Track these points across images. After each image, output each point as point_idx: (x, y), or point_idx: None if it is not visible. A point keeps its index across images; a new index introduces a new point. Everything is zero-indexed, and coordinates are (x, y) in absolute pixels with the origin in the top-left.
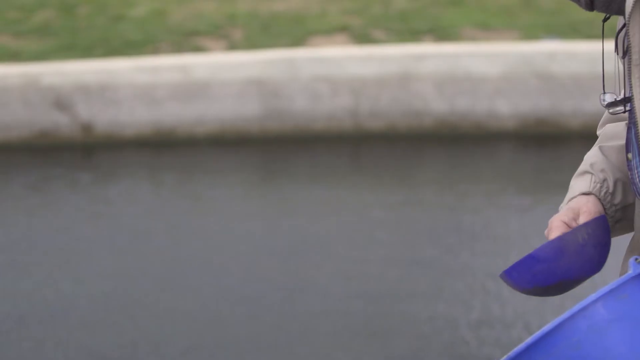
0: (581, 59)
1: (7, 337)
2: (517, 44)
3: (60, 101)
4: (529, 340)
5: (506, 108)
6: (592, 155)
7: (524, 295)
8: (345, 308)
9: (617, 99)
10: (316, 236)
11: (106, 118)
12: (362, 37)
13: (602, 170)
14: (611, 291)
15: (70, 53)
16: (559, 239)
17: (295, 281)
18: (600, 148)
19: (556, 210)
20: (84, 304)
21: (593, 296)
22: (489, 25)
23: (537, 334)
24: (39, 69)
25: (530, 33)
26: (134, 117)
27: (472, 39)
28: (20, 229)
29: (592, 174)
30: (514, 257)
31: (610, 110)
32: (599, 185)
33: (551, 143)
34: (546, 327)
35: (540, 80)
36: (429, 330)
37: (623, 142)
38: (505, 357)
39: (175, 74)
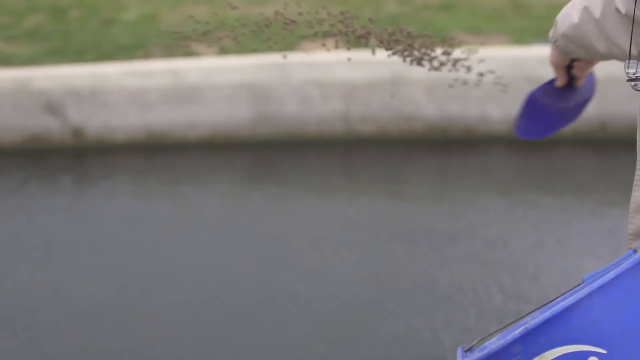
0: None
1: None
2: (508, 48)
3: (51, 105)
4: (548, 314)
5: (497, 112)
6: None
7: (510, 304)
8: (329, 313)
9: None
10: (306, 240)
11: (97, 122)
12: (352, 42)
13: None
14: (627, 270)
15: (61, 57)
16: (518, 128)
17: (281, 286)
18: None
19: (547, 215)
20: (61, 308)
21: (611, 274)
22: (480, 29)
23: (556, 309)
24: (29, 73)
25: (521, 38)
26: (125, 122)
27: (463, 43)
28: (4, 232)
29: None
30: (503, 261)
31: (633, 85)
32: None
33: (541, 148)
34: (565, 303)
35: (531, 84)
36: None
37: None
38: (523, 329)
39: (166, 78)
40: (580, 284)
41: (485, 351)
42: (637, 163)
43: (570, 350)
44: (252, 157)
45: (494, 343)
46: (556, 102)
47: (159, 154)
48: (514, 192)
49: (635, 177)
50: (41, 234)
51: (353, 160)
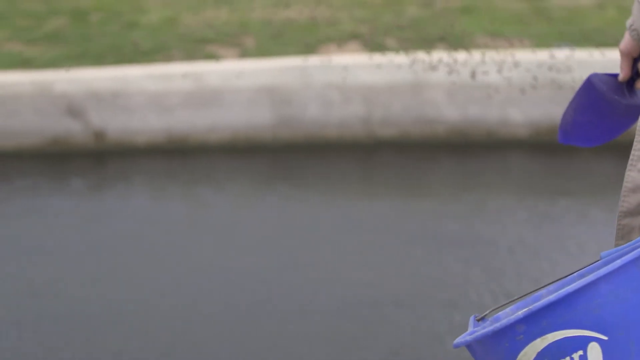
0: (594, 67)
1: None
2: (530, 52)
3: (72, 108)
4: (551, 297)
5: (518, 116)
6: None
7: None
8: (344, 316)
9: None
10: (325, 243)
11: (118, 125)
12: (373, 45)
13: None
14: (633, 260)
15: (82, 60)
16: (561, 126)
17: (300, 289)
18: None
19: (566, 219)
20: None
21: (618, 263)
22: (501, 33)
23: (560, 293)
24: (50, 76)
25: (543, 41)
26: (146, 125)
27: (484, 47)
28: (23, 233)
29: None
30: (526, 264)
31: None
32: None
33: (563, 151)
34: (569, 288)
35: (552, 88)
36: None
37: None
38: (527, 310)
39: (187, 82)
40: (597, 260)
41: (491, 327)
42: (635, 143)
43: (572, 334)
44: (272, 161)
45: (506, 314)
46: (613, 93)
47: (179, 157)
48: (535, 196)
49: (631, 158)
50: (57, 236)
51: (374, 163)
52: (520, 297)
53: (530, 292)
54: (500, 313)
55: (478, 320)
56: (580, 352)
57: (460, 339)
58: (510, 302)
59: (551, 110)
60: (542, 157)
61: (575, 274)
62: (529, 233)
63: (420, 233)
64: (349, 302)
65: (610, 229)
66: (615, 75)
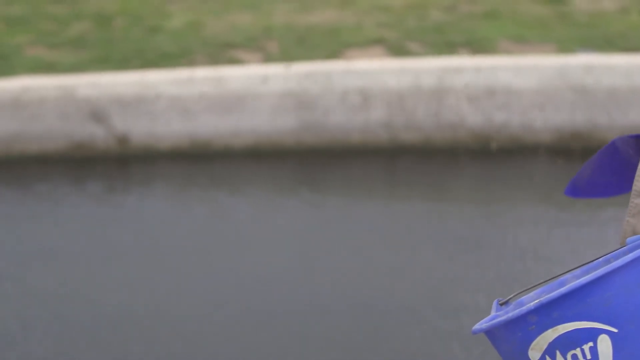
0: (617, 72)
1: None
2: (553, 57)
3: (96, 113)
4: (562, 290)
5: (541, 121)
6: None
7: None
8: (366, 320)
9: None
10: (349, 248)
11: (142, 130)
12: (397, 50)
13: None
14: None
15: (105, 65)
16: (573, 181)
17: (322, 293)
18: None
19: (590, 225)
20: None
21: (631, 256)
22: (525, 38)
23: (572, 285)
24: (74, 80)
25: (566, 46)
26: (170, 129)
27: (508, 52)
28: (46, 238)
29: None
30: (548, 270)
31: None
32: None
33: (587, 156)
34: (582, 280)
35: (575, 93)
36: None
37: None
38: (537, 302)
39: (210, 86)
40: (623, 245)
41: (504, 317)
42: None
43: (583, 326)
44: (295, 166)
45: (530, 299)
46: (636, 155)
47: (202, 162)
48: (558, 202)
49: None
50: (75, 240)
51: (396, 169)
52: (545, 281)
53: (556, 277)
54: (523, 297)
55: (501, 305)
56: (591, 344)
57: (477, 326)
58: (535, 286)
59: (574, 115)
60: (565, 163)
61: (601, 259)
62: (552, 239)
63: (443, 238)
64: (370, 307)
65: None
66: (637, 137)
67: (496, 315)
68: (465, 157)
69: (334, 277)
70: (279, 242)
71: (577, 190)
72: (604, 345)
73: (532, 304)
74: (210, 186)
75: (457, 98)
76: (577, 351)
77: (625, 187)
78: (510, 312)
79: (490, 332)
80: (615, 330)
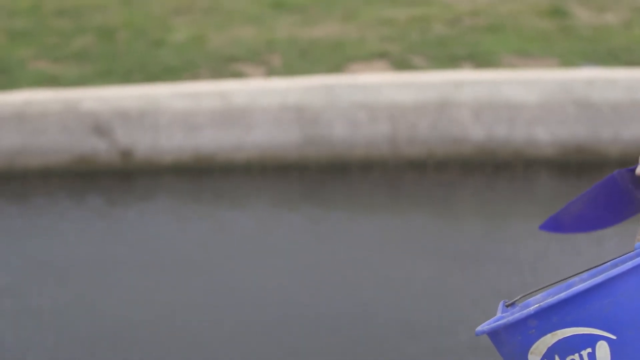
0: (620, 86)
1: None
2: (556, 71)
3: (99, 127)
4: (561, 295)
5: (545, 135)
6: None
7: None
8: (367, 334)
9: None
10: (353, 262)
11: (145, 144)
12: (400, 64)
13: None
14: None
15: (109, 78)
16: (555, 215)
17: (325, 307)
18: None
19: (594, 240)
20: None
21: (632, 263)
22: (528, 52)
23: (571, 291)
24: (77, 94)
25: (569, 60)
26: (173, 143)
27: (511, 65)
28: (48, 251)
29: None
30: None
31: None
32: None
33: (590, 170)
34: (582, 286)
35: (578, 107)
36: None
37: None
38: (537, 306)
39: (214, 100)
40: (631, 251)
41: (504, 321)
42: None
43: (582, 332)
44: (299, 180)
45: (537, 301)
46: (635, 189)
47: (206, 176)
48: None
49: None
50: (79, 254)
51: (400, 183)
52: (552, 284)
53: (564, 279)
54: (530, 299)
55: (507, 306)
56: (589, 350)
57: (480, 327)
58: (542, 288)
59: (577, 129)
60: (568, 177)
61: (608, 263)
62: (555, 252)
63: (445, 252)
64: (370, 320)
65: None
66: (633, 170)
67: (501, 317)
68: (468, 171)
69: (335, 291)
70: (280, 257)
71: (558, 225)
72: (603, 351)
73: (532, 308)
74: (213, 200)
75: (460, 112)
76: (576, 356)
77: (617, 219)
78: (514, 314)
79: (492, 334)
80: (614, 337)
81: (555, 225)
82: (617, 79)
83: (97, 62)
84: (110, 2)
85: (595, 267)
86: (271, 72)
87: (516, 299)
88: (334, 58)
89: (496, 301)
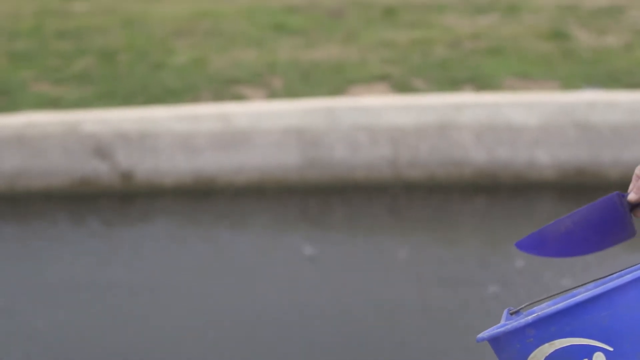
0: (621, 108)
1: None
2: (557, 93)
3: (100, 149)
4: (559, 306)
5: (546, 158)
6: None
7: None
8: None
9: None
10: (352, 285)
11: (146, 166)
12: (402, 86)
13: None
14: None
15: (110, 101)
16: (538, 232)
17: (326, 329)
18: None
19: (595, 263)
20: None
21: (631, 276)
22: (529, 74)
23: (570, 302)
24: (78, 116)
25: (570, 83)
26: (174, 166)
27: (512, 88)
28: (45, 275)
29: None
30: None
31: None
32: None
33: (591, 193)
34: (581, 297)
35: (579, 129)
36: None
37: None
38: (535, 316)
39: (215, 123)
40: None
41: (503, 328)
42: None
43: (579, 343)
44: (300, 202)
45: (541, 309)
46: (629, 214)
47: (206, 198)
48: None
49: None
50: (76, 276)
51: (401, 205)
52: (558, 293)
53: (569, 289)
54: (535, 307)
55: (512, 314)
56: None
57: (481, 335)
58: (547, 297)
59: (578, 152)
60: (569, 199)
61: (614, 274)
62: (554, 274)
63: (445, 275)
64: (368, 343)
65: None
66: (623, 195)
67: (504, 324)
68: (469, 194)
69: (335, 313)
70: (281, 279)
71: (538, 245)
72: None
73: (530, 317)
74: (213, 223)
75: (461, 135)
76: None
77: (605, 244)
78: (521, 319)
79: (492, 341)
80: (611, 348)
81: (534, 244)
82: (618, 101)
83: (98, 84)
84: (111, 24)
85: (600, 278)
86: (272, 94)
87: (521, 307)
88: (334, 80)
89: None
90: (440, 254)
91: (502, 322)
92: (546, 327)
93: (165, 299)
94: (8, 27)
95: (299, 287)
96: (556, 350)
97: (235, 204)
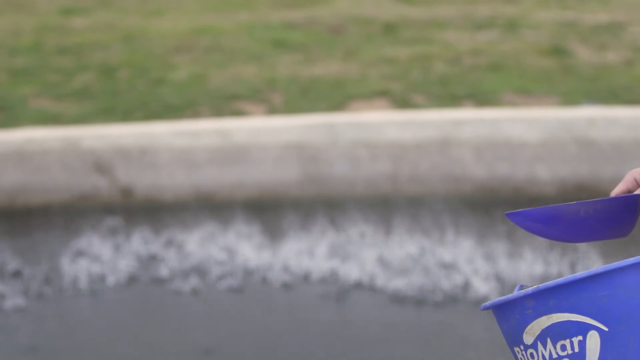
0: (621, 124)
1: None
2: (557, 109)
3: (100, 165)
4: (559, 280)
5: (546, 174)
6: None
7: None
8: None
9: None
10: (358, 304)
11: (146, 182)
12: (401, 102)
13: None
14: None
15: (110, 116)
16: (554, 208)
17: (322, 349)
18: None
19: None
20: None
21: (633, 259)
22: (529, 90)
23: (569, 277)
24: (78, 132)
25: (570, 98)
26: (174, 181)
27: (512, 104)
28: (48, 287)
29: None
30: None
31: None
32: None
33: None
34: (581, 274)
35: (579, 145)
36: None
37: None
38: (535, 287)
39: (214, 138)
40: None
41: (504, 297)
42: None
43: (575, 319)
44: (299, 218)
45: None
46: (633, 215)
47: (207, 213)
48: (564, 256)
49: None
50: (69, 290)
51: (400, 221)
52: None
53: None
54: None
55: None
56: (580, 338)
57: (485, 303)
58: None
59: (579, 168)
60: None
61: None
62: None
63: (444, 290)
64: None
65: None
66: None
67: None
68: (469, 209)
69: (332, 331)
70: (275, 295)
71: (546, 221)
72: (593, 341)
73: (530, 288)
74: (210, 237)
75: (461, 150)
76: (567, 342)
77: (609, 234)
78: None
79: (495, 310)
80: (605, 328)
81: (543, 218)
82: (618, 117)
83: (98, 100)
84: (111, 40)
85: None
86: (272, 110)
87: (533, 285)
88: (335, 96)
89: (491, 347)
90: (438, 268)
91: None
92: (545, 299)
93: (162, 314)
94: (8, 43)
95: (296, 303)
96: (553, 324)
97: (234, 219)
